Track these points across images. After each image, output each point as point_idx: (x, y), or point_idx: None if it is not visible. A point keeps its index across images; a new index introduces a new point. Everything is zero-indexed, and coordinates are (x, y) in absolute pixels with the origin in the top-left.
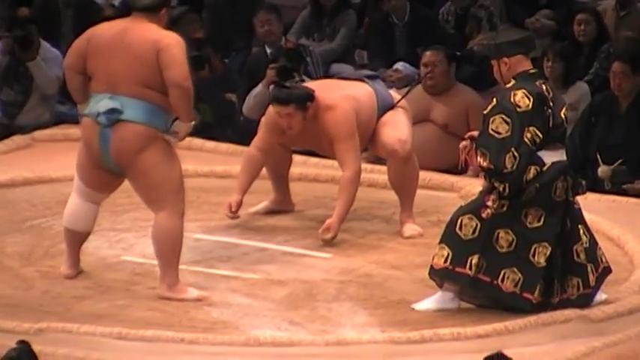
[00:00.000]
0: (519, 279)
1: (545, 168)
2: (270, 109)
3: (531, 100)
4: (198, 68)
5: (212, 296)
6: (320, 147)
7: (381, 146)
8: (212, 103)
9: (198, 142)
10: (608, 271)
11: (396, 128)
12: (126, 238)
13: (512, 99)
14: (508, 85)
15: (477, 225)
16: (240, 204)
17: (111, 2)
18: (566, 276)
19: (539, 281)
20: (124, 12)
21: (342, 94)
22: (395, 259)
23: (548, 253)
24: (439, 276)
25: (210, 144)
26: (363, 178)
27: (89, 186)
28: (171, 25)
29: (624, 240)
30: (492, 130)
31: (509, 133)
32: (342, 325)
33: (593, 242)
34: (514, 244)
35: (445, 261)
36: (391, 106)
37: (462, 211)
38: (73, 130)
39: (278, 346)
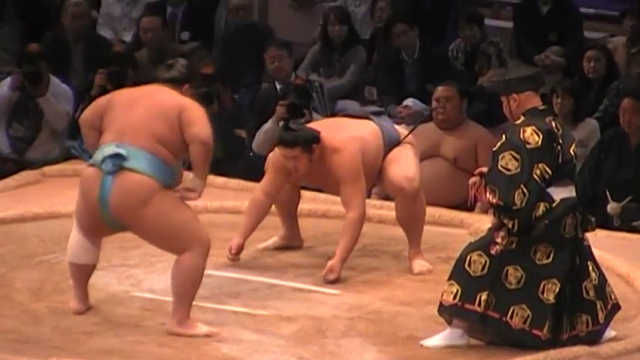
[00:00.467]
0: (528, 315)
1: (554, 204)
2: (276, 150)
3: (541, 136)
4: (207, 104)
5: (221, 332)
6: (326, 187)
7: (389, 184)
8: (222, 138)
9: (207, 177)
10: (617, 308)
11: (403, 165)
12: (135, 274)
13: (521, 135)
14: (517, 122)
15: (486, 261)
16: (240, 247)
17: (121, 38)
18: (575, 313)
19: (548, 318)
20: (133, 48)
21: (348, 136)
22: (404, 296)
23: (558, 289)
24: (448, 312)
25: (220, 180)
26: (372, 215)
27: (86, 236)
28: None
29: (634, 277)
30: (502, 166)
31: (518, 170)
32: None
33: (603, 279)
34: (523, 280)
35: (454, 297)
36: (397, 143)
37: (471, 248)
38: (83, 166)
39: None
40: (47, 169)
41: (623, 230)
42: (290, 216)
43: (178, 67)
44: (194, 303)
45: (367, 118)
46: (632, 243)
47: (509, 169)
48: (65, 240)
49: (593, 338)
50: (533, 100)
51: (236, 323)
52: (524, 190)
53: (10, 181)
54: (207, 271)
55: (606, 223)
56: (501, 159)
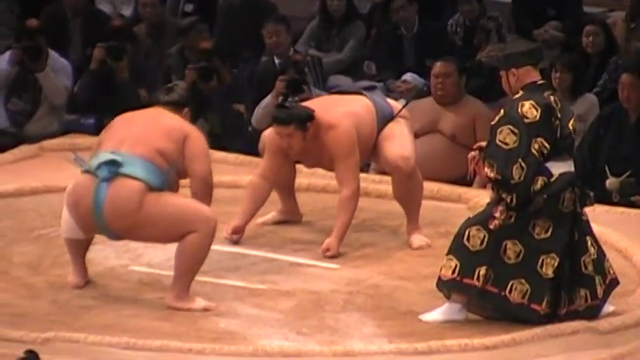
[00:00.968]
0: (527, 290)
1: (552, 179)
2: (270, 132)
3: (539, 111)
4: (205, 79)
5: (220, 306)
6: (322, 164)
7: (384, 162)
8: (220, 113)
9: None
10: (615, 282)
11: (399, 143)
12: (134, 248)
13: (519, 110)
14: (516, 96)
15: (484, 236)
16: (239, 230)
17: (120, 12)
18: (573, 287)
19: (546, 292)
20: (132, 22)
21: (342, 112)
22: (403, 270)
23: (556, 264)
24: (447, 287)
25: (219, 154)
26: (371, 189)
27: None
28: (180, 34)
29: (632, 252)
30: (500, 140)
31: (516, 144)
32: (349, 335)
33: (601, 254)
34: (522, 255)
35: (453, 272)
36: (391, 117)
37: (470, 223)
38: (81, 140)
39: (285, 357)
40: (45, 143)
41: (622, 205)
42: (287, 191)
43: (178, 90)
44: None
45: (359, 93)
46: (630, 218)
47: (507, 144)
48: None
49: (592, 313)
50: (532, 75)
51: (234, 298)
52: (523, 164)
53: (8, 155)
54: None
55: (605, 198)
56: (499, 133)
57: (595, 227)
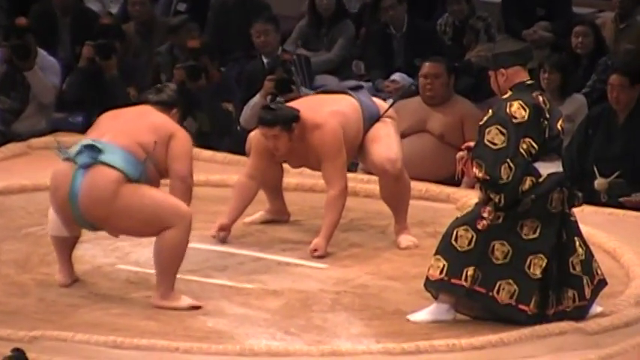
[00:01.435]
0: (515, 290)
1: (541, 179)
2: (257, 133)
3: (527, 111)
4: (194, 78)
5: (207, 305)
6: (309, 164)
7: (372, 165)
8: (209, 112)
9: (194, 150)
10: (603, 283)
11: (385, 145)
12: (121, 247)
13: (508, 110)
14: (504, 96)
15: (472, 236)
16: (225, 228)
17: (108, 10)
18: (561, 288)
19: (534, 293)
20: (121, 20)
21: (328, 111)
22: (391, 270)
23: (544, 264)
24: (435, 287)
25: (207, 153)
26: (359, 189)
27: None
28: (170, 33)
29: (620, 253)
30: (488, 140)
31: (504, 144)
32: (337, 335)
33: (589, 254)
34: (510, 255)
35: (441, 272)
36: (377, 117)
37: (458, 223)
38: (69, 138)
39: (273, 356)
40: (34, 141)
41: (610, 206)
42: (274, 190)
43: (167, 91)
44: (180, 276)
45: (345, 93)
46: (619, 219)
47: (495, 144)
48: None
49: (580, 314)
50: (521, 75)
51: (222, 297)
52: (511, 164)
53: None
54: (193, 245)
55: (593, 199)
56: (488, 133)
57: (583, 228)
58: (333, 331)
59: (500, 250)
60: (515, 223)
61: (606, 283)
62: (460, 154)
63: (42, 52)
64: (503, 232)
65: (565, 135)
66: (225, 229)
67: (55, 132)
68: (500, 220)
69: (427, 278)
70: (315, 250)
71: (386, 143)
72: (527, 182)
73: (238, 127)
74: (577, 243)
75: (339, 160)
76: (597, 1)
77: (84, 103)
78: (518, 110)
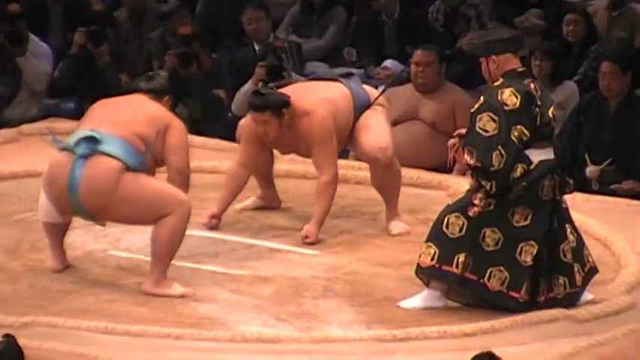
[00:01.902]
0: (506, 278)
1: (532, 166)
2: (246, 120)
3: (519, 98)
4: (185, 65)
5: (198, 292)
6: (298, 151)
7: (362, 153)
8: (200, 98)
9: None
10: (594, 271)
11: (376, 133)
12: (112, 233)
13: (499, 97)
14: (496, 84)
15: (463, 223)
16: (216, 216)
17: None
18: (552, 275)
19: (525, 280)
20: (112, 7)
21: (318, 98)
22: (382, 257)
23: (535, 251)
24: (426, 274)
25: (199, 139)
26: (350, 176)
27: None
28: (162, 19)
29: (612, 241)
30: (479, 128)
31: (496, 132)
32: (328, 322)
33: (580, 242)
34: (501, 242)
35: (432, 259)
36: (368, 104)
37: (449, 210)
38: (61, 124)
39: (264, 343)
40: (25, 127)
41: (602, 193)
42: (265, 177)
43: (159, 79)
44: (172, 262)
45: (336, 80)
46: (610, 206)
47: (487, 131)
48: None
49: (571, 301)
50: (512, 62)
51: (213, 283)
52: (502, 151)
53: None
54: None
55: (585, 187)
56: (479, 120)
57: (574, 215)
58: (324, 318)
59: (491, 237)
60: (507, 210)
61: (597, 271)
62: (452, 141)
63: (34, 39)
64: (494, 219)
65: (556, 122)
66: (216, 217)
67: (46, 118)
68: (492, 207)
69: (418, 265)
70: (307, 237)
71: (376, 131)
72: (519, 169)
73: (230, 114)
74: (568, 230)
75: (329, 147)
76: None
77: (75, 89)
78: (509, 97)
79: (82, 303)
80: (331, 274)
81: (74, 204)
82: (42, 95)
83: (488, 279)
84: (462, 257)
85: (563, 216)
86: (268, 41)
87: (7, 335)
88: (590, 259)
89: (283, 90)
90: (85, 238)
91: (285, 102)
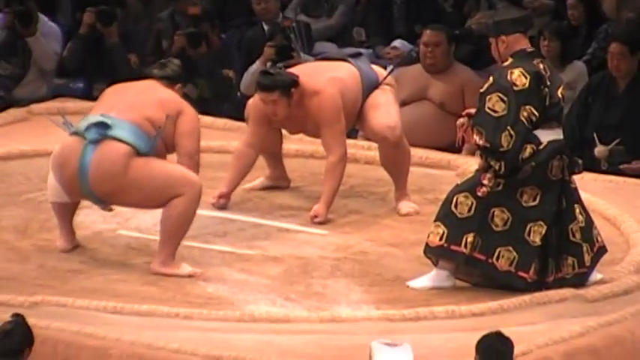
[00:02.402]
0: (514, 257)
1: (541, 147)
2: (254, 100)
3: (528, 78)
4: (194, 45)
5: (207, 272)
6: (306, 131)
7: (371, 132)
8: (209, 78)
9: None
10: (603, 251)
11: (385, 112)
12: (121, 213)
13: (508, 77)
14: (505, 64)
15: (472, 203)
16: (224, 196)
17: None
18: (561, 255)
19: (534, 260)
20: None
21: (326, 78)
22: (391, 237)
23: (544, 232)
24: (434, 254)
25: (207, 119)
26: (359, 156)
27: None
28: None
29: (621, 220)
30: (489, 108)
31: (505, 112)
32: (336, 301)
33: (589, 222)
34: (509, 222)
35: (440, 239)
36: (376, 84)
37: (458, 190)
38: (70, 104)
39: (273, 322)
40: (34, 106)
41: (610, 173)
42: (274, 157)
43: (171, 66)
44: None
45: (345, 60)
46: (619, 186)
47: (496, 111)
48: None
49: (579, 281)
50: (522, 43)
51: (222, 263)
52: (511, 131)
53: None
54: None
55: (593, 166)
56: (488, 101)
57: (583, 195)
58: (332, 298)
59: (500, 217)
60: (515, 190)
61: (606, 251)
62: (460, 120)
63: (43, 18)
64: (503, 199)
65: (565, 102)
66: (225, 197)
67: (55, 98)
68: (500, 187)
69: (427, 245)
70: (315, 217)
71: (385, 110)
72: (528, 150)
73: (238, 94)
74: (577, 210)
75: (337, 126)
76: None
77: (84, 69)
78: (518, 78)
79: (91, 283)
80: (340, 254)
81: (85, 188)
82: (51, 75)
83: (497, 259)
84: (470, 237)
85: (572, 196)
86: (276, 21)
87: (16, 315)
88: (599, 238)
89: (292, 70)
90: (94, 217)
91: (294, 82)
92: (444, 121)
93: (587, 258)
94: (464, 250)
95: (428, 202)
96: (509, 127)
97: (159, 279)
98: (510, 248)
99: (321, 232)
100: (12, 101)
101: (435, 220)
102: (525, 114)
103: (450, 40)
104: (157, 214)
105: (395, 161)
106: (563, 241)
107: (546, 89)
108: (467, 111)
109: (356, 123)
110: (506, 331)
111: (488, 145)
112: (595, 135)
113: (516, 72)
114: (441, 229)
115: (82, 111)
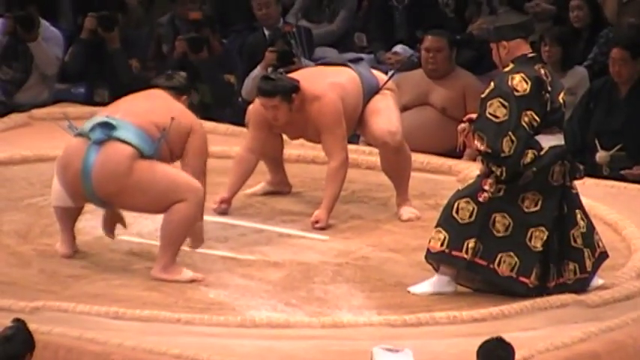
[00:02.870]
0: (516, 263)
1: (542, 152)
2: (254, 106)
3: (529, 84)
4: (195, 50)
5: (209, 277)
6: (307, 136)
7: (372, 137)
8: (211, 83)
9: None
10: (605, 256)
11: (385, 118)
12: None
13: (510, 83)
14: (506, 69)
15: (473, 209)
16: (225, 201)
17: None
18: (562, 260)
19: (535, 265)
20: None
21: (327, 83)
22: (392, 242)
23: (545, 237)
24: (435, 259)
25: (209, 124)
26: (361, 161)
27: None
28: (172, 4)
29: (622, 226)
30: (490, 113)
31: (506, 117)
32: (338, 307)
33: (591, 227)
34: (511, 228)
35: (442, 244)
36: (377, 89)
37: (459, 195)
38: (71, 109)
39: (274, 328)
40: (36, 111)
41: (612, 179)
42: (275, 162)
43: (178, 78)
44: (182, 247)
45: (345, 65)
46: (620, 191)
47: (497, 117)
48: None
49: (581, 286)
50: (523, 48)
51: (223, 268)
52: (513, 137)
53: None
54: None
55: (595, 172)
56: (489, 106)
57: (585, 200)
58: (334, 303)
59: (501, 222)
60: (517, 195)
61: (607, 256)
62: (462, 125)
63: (45, 23)
64: (504, 205)
65: (566, 108)
66: (226, 202)
67: (57, 103)
68: (502, 193)
69: (428, 250)
70: (317, 222)
71: (386, 115)
72: (529, 155)
73: (240, 99)
74: (578, 216)
75: (338, 131)
76: None
77: (86, 74)
78: (520, 83)
79: (92, 288)
80: (341, 260)
81: (87, 190)
82: (53, 80)
83: (498, 264)
84: (471, 242)
85: (574, 201)
86: (278, 26)
87: (17, 320)
88: (600, 244)
89: (292, 75)
90: (95, 223)
91: (295, 87)
92: (445, 127)
93: (588, 263)
94: (465, 256)
95: (429, 208)
96: (510, 133)
97: (160, 284)
98: (512, 254)
99: (322, 237)
100: (13, 106)
101: (436, 226)
102: (526, 119)
103: (452, 46)
104: (159, 219)
105: (396, 166)
106: (565, 246)
107: (547, 94)
108: (468, 116)
109: (357, 128)
110: (508, 337)
111: (489, 151)
112: (596, 140)
113: (517, 77)
114: (442, 234)
115: (84, 116)
